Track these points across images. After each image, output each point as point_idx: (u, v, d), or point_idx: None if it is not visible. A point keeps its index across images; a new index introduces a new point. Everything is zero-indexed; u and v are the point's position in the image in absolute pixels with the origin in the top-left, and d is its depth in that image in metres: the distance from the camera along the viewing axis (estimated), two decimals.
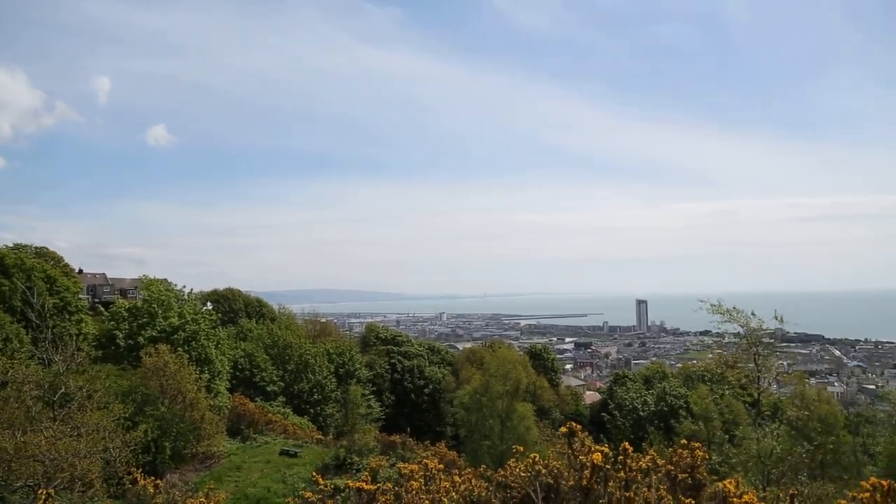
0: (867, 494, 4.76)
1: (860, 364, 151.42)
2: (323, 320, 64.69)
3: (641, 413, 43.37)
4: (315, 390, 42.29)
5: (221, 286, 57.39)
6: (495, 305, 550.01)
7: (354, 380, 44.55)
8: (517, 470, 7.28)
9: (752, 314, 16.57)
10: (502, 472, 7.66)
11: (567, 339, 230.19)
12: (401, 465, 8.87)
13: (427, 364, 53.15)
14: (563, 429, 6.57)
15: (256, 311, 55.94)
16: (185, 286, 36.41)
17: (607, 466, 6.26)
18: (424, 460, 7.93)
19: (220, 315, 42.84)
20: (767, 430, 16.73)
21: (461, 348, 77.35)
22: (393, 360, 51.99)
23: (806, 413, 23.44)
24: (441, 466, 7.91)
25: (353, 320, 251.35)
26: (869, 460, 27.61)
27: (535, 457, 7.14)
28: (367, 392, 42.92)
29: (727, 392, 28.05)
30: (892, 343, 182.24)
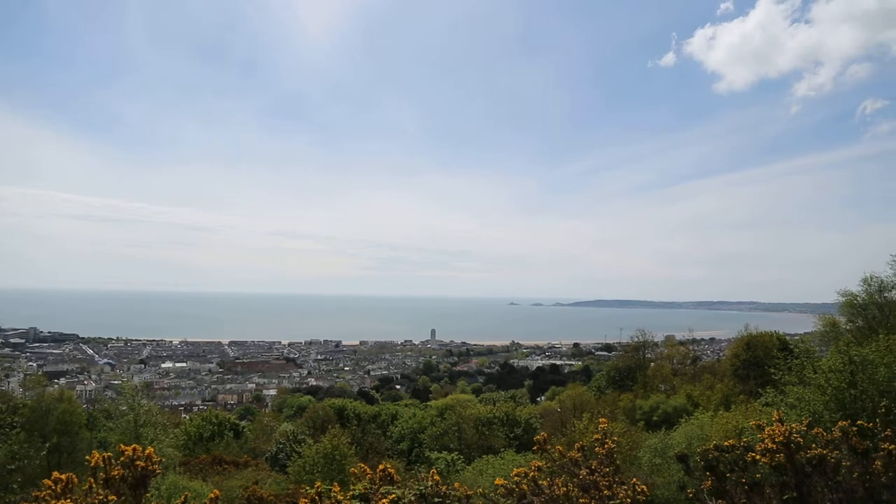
0: (46, 492, 4.77)
1: (110, 361, 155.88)
2: None
3: None
4: None
5: None
6: None
7: None
8: None
9: None
10: None
11: None
12: None
13: None
14: None
15: None
16: None
17: None
18: None
19: None
20: None
21: None
22: None
23: (17, 416, 22.25)
24: None
25: None
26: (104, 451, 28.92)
27: None
28: None
29: None
30: (139, 340, 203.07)
